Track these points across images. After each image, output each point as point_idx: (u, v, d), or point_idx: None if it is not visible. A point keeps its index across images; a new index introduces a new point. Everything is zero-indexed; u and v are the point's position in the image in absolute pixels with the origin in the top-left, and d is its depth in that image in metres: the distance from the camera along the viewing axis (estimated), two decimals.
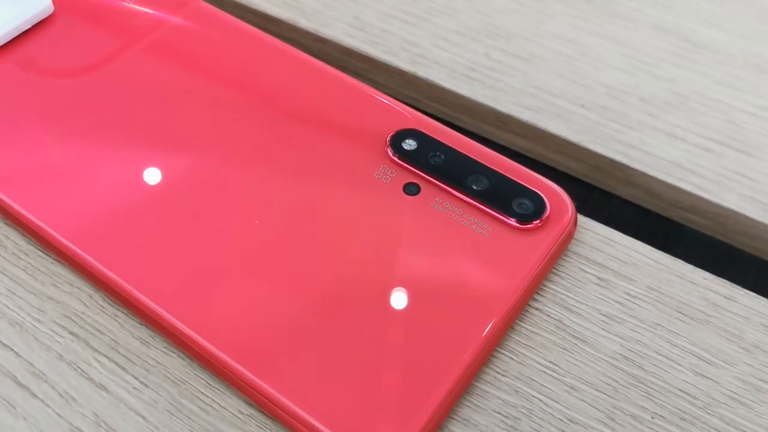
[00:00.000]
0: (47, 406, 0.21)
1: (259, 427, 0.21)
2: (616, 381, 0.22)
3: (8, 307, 0.23)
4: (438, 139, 0.26)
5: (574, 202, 0.24)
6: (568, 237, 0.24)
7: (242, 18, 0.30)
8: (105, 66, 0.28)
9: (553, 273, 0.24)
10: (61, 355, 0.22)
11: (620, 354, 0.22)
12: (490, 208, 0.24)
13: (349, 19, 0.32)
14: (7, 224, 0.25)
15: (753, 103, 0.29)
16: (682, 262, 0.24)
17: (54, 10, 0.30)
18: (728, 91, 0.30)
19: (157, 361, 0.22)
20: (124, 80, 0.28)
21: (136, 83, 0.28)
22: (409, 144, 0.26)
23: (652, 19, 0.32)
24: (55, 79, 0.28)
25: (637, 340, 0.23)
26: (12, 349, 0.22)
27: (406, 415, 0.20)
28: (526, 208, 0.24)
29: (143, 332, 0.23)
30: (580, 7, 0.33)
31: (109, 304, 0.23)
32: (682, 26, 0.32)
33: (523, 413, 0.21)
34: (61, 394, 0.22)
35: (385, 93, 0.28)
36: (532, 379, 0.22)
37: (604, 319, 0.23)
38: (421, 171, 0.25)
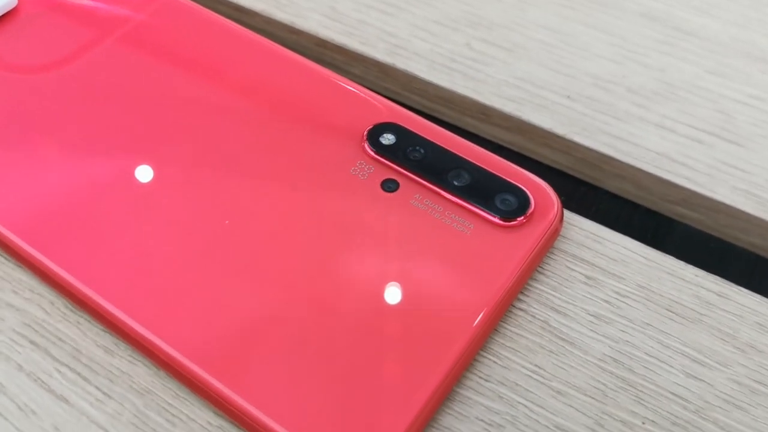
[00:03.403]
0: (5, 419, 0.20)
1: None
2: (604, 385, 0.21)
3: None
4: (417, 132, 0.25)
5: (560, 197, 0.23)
6: (554, 234, 0.23)
7: (215, 9, 0.29)
8: (70, 62, 0.27)
9: (539, 272, 0.23)
10: (20, 366, 0.21)
11: (609, 356, 0.21)
12: (471, 205, 0.23)
13: (324, 10, 0.31)
14: None
15: (744, 92, 0.28)
16: (673, 258, 0.23)
17: (18, 4, 0.29)
18: (719, 80, 0.29)
19: (121, 371, 0.21)
20: (89, 76, 0.27)
21: (103, 79, 0.27)
22: (388, 138, 0.24)
23: (640, 7, 0.31)
24: (17, 75, 0.27)
25: (627, 341, 0.22)
26: None
27: (383, 426, 0.19)
28: (509, 204, 0.23)
29: (107, 340, 0.22)
30: None
31: (71, 311, 0.22)
32: (670, 14, 0.31)
33: (507, 420, 0.20)
34: (20, 407, 0.20)
35: (362, 85, 0.26)
36: (517, 384, 0.21)
37: (592, 319, 0.22)
38: (399, 166, 0.24)
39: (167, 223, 0.23)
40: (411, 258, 0.22)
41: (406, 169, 0.24)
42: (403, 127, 0.25)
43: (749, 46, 0.30)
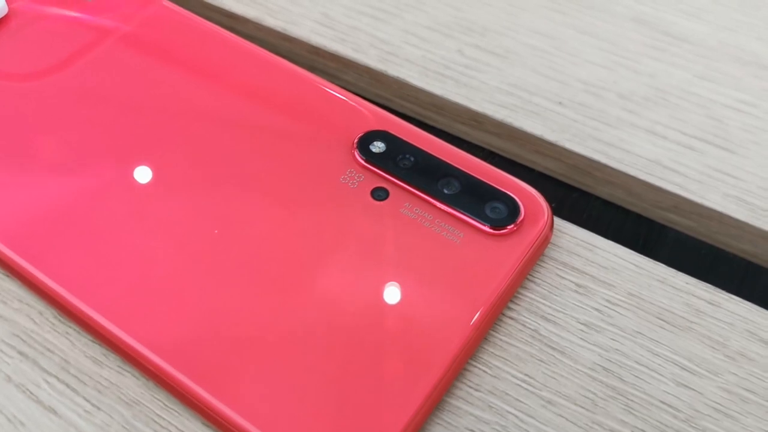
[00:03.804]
0: None
1: None
2: (594, 394, 0.21)
3: None
4: (408, 140, 0.25)
5: (550, 205, 0.23)
6: (544, 241, 0.23)
7: (207, 17, 0.29)
8: (60, 70, 0.27)
9: (529, 280, 0.23)
10: (9, 377, 0.21)
11: (599, 365, 0.21)
12: (461, 213, 0.23)
13: (316, 17, 0.31)
14: None
15: (735, 98, 0.28)
16: (664, 266, 0.23)
17: (8, 11, 0.29)
18: (710, 86, 0.28)
19: (110, 382, 0.21)
20: (79, 85, 0.27)
21: (93, 88, 0.27)
22: (378, 146, 0.24)
23: (631, 12, 0.31)
24: (6, 83, 0.27)
25: (617, 350, 0.22)
26: None
27: None
28: (499, 213, 0.23)
29: (96, 351, 0.21)
30: None
31: (60, 321, 0.22)
32: (660, 18, 0.31)
33: (497, 430, 0.20)
34: (8, 418, 0.20)
35: (354, 92, 0.26)
36: (507, 394, 0.21)
37: (583, 327, 0.22)
38: (389, 175, 0.24)
39: (156, 232, 0.23)
40: (401, 267, 0.22)
41: (396, 178, 0.24)
42: (394, 135, 0.25)
43: (739, 51, 0.30)
